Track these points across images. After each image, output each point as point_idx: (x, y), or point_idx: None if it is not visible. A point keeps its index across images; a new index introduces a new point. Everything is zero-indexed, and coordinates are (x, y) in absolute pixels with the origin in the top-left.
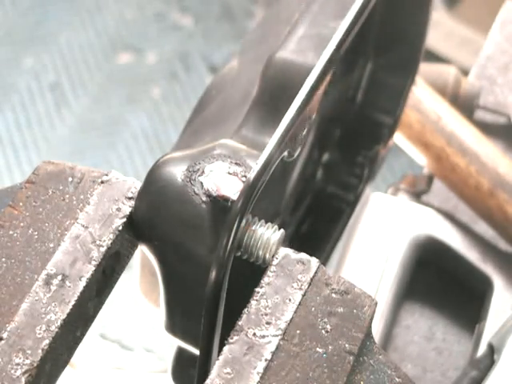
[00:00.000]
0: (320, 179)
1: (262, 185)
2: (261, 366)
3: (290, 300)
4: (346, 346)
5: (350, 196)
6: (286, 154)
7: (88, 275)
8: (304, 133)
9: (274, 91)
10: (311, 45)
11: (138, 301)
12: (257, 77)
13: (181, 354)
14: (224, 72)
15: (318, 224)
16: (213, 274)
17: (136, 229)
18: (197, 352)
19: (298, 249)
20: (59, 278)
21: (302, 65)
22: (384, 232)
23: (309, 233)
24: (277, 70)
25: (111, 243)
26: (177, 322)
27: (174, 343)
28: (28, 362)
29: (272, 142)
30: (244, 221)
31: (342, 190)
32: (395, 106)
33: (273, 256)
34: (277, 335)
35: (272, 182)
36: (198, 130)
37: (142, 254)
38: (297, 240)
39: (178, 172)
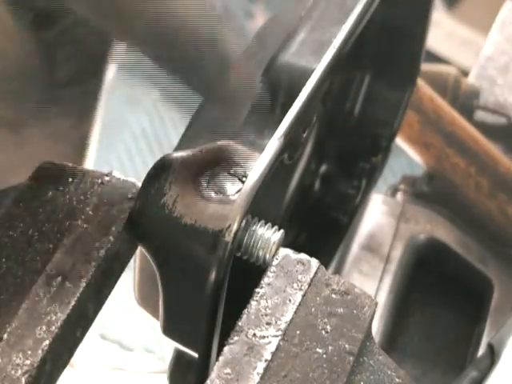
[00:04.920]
0: (318, 190)
1: (263, 185)
2: (261, 366)
3: (290, 300)
4: (346, 346)
5: (347, 207)
6: (286, 155)
7: (88, 275)
8: (304, 135)
9: (275, 94)
10: (312, 49)
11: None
12: (257, 81)
13: (179, 358)
14: None
15: (316, 234)
16: (213, 274)
17: (136, 229)
18: (195, 355)
19: None
20: (59, 278)
21: (302, 68)
22: (384, 232)
23: (307, 243)
24: (277, 73)
25: (111, 244)
26: (175, 325)
27: (174, 345)
28: (28, 362)
29: (272, 142)
30: (244, 221)
31: (339, 200)
32: (393, 118)
33: (273, 256)
34: (277, 336)
35: (271, 188)
36: (198, 134)
37: (140, 258)
38: (295, 250)
39: (178, 172)
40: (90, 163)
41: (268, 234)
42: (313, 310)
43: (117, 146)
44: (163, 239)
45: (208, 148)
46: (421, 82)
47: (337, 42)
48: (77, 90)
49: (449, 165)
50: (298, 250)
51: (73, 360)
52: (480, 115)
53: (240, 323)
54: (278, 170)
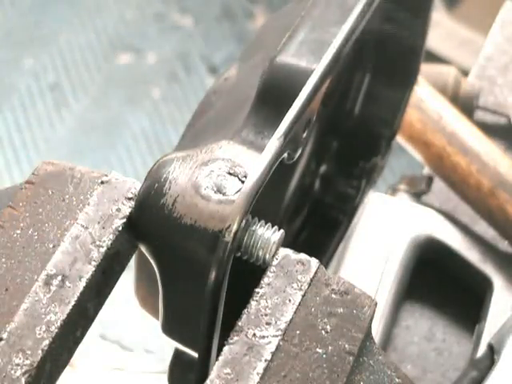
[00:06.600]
0: (317, 190)
1: (263, 185)
2: (260, 366)
3: (289, 300)
4: (346, 346)
5: (347, 207)
6: (286, 155)
7: (88, 276)
8: (304, 135)
9: (274, 94)
10: (312, 49)
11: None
12: (257, 82)
13: (178, 358)
14: (224, 77)
15: (316, 234)
16: (213, 275)
17: (136, 229)
18: (195, 355)
19: None
20: (59, 278)
21: (302, 68)
22: (384, 232)
23: (306, 243)
24: (277, 74)
25: (111, 244)
26: (175, 325)
27: (173, 345)
28: (28, 362)
29: (272, 142)
30: (244, 221)
31: (339, 201)
32: (393, 118)
33: (273, 256)
34: (277, 336)
35: (271, 188)
36: (198, 135)
37: (139, 258)
38: (294, 250)
39: (177, 172)
40: (89, 163)
41: (268, 234)
42: (313, 310)
43: (117, 146)
44: (163, 239)
45: (208, 148)
46: (422, 80)
47: (337, 42)
48: None
49: (449, 164)
50: (297, 250)
51: (73, 360)
52: (480, 115)
53: (240, 323)
54: (278, 170)
